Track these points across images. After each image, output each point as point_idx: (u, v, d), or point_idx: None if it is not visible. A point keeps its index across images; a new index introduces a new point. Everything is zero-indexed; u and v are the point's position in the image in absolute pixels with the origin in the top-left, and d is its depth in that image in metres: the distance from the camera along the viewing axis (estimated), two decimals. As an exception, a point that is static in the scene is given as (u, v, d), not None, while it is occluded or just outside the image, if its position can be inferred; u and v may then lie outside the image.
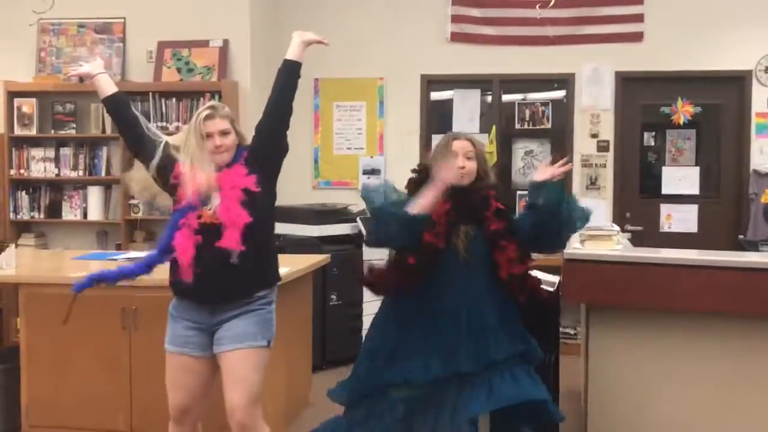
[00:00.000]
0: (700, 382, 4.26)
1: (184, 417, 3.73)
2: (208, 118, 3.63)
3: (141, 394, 4.62)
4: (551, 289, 4.38)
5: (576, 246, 4.45)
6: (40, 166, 6.98)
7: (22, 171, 6.99)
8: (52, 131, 6.99)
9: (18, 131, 6.96)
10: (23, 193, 7.03)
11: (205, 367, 3.69)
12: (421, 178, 3.77)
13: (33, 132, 6.97)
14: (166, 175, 3.67)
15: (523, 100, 7.52)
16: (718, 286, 4.05)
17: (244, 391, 3.58)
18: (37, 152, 6.99)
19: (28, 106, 6.94)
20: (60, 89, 6.96)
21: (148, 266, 3.73)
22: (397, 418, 3.65)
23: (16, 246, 6.30)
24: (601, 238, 4.39)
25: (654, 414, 4.31)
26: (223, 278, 3.55)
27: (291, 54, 3.79)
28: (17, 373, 4.82)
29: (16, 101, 6.95)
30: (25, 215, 7.03)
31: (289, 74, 3.77)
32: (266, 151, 3.73)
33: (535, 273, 3.82)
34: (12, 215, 7.01)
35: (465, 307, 3.56)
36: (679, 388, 4.28)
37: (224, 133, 3.63)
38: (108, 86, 3.84)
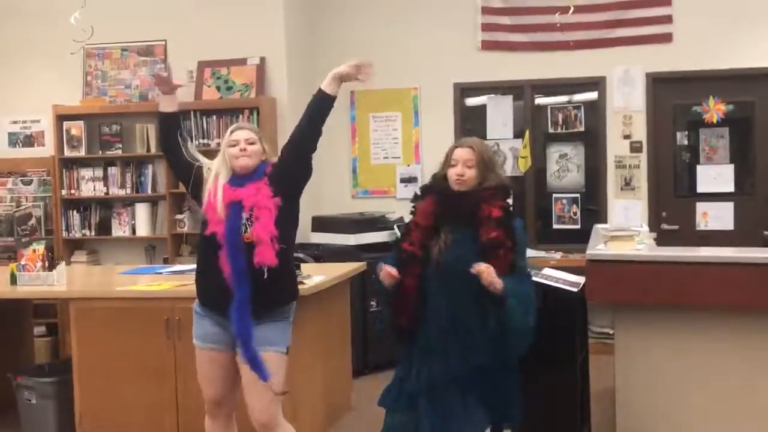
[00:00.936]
0: (727, 377, 4.31)
1: (218, 409, 3.95)
2: (237, 128, 3.92)
3: (186, 401, 4.82)
4: (575, 290, 4.50)
5: (599, 247, 4.56)
6: (89, 185, 7.28)
7: (72, 191, 7.29)
8: (100, 152, 7.28)
9: (67, 153, 7.27)
10: (74, 212, 7.33)
11: (230, 361, 3.87)
12: (429, 186, 3.93)
13: (82, 153, 7.27)
14: (198, 196, 3.90)
15: (566, 103, 7.62)
16: (738, 283, 4.12)
17: (265, 392, 3.77)
18: (86, 172, 7.29)
19: (77, 128, 7.25)
20: (106, 111, 7.26)
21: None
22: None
23: (68, 263, 6.60)
24: (623, 238, 4.49)
25: (681, 410, 4.38)
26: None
27: (324, 86, 3.91)
28: (70, 385, 5.07)
29: (65, 124, 7.26)
30: (76, 233, 7.33)
31: (318, 104, 3.92)
32: (290, 171, 3.90)
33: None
34: (64, 233, 7.31)
35: (446, 310, 3.67)
36: (706, 384, 4.34)
37: (250, 142, 3.85)
38: (174, 104, 4.03)
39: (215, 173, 3.85)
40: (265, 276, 3.67)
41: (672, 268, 4.23)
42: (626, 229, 4.64)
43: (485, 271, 3.50)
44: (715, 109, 7.13)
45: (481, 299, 3.57)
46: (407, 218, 7.07)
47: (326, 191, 7.88)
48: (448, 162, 3.84)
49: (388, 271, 3.72)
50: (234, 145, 3.84)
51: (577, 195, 7.55)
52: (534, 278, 4.42)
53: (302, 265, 5.25)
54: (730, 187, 7.25)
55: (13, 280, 5.25)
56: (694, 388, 4.36)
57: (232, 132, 3.90)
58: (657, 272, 4.25)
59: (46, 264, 5.25)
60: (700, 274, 4.21)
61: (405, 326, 3.78)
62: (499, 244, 3.63)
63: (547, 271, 4.81)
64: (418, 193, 3.96)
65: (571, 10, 6.05)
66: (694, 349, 4.34)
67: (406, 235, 3.85)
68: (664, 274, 4.25)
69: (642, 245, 4.51)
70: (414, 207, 3.93)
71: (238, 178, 3.82)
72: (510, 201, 3.83)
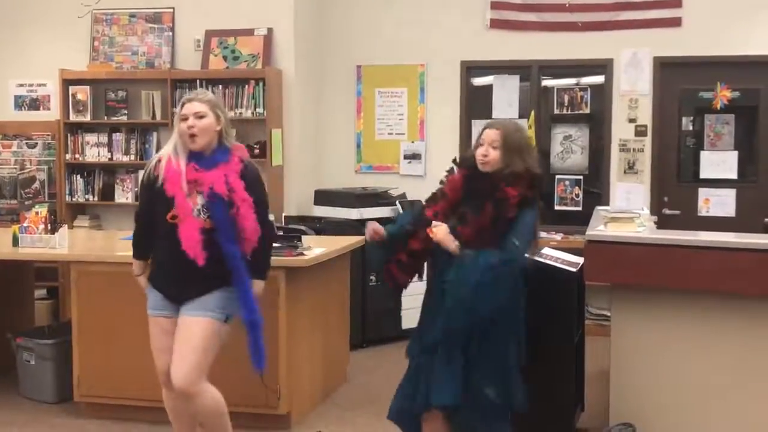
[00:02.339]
0: (722, 362, 4.33)
1: (171, 380, 3.91)
2: (186, 101, 3.85)
3: (184, 367, 4.86)
4: (574, 270, 4.52)
5: (599, 228, 4.57)
6: (93, 150, 7.29)
7: (77, 156, 7.30)
8: (105, 117, 7.28)
9: (73, 117, 7.27)
10: (78, 176, 7.35)
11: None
12: (465, 159, 3.98)
13: (87, 118, 7.27)
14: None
15: (573, 84, 7.60)
16: (735, 268, 4.13)
17: (188, 357, 3.80)
18: (91, 137, 7.29)
19: (83, 93, 7.25)
20: (112, 77, 7.26)
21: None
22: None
23: (71, 227, 6.63)
24: (623, 220, 4.50)
25: (675, 393, 4.40)
26: (185, 279, 3.81)
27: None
28: (69, 347, 5.12)
29: (71, 89, 7.26)
30: (80, 198, 7.35)
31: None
32: None
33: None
34: (68, 198, 7.33)
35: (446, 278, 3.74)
36: (700, 368, 4.37)
37: (199, 116, 3.77)
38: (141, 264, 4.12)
39: (172, 148, 3.84)
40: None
41: (671, 251, 4.24)
42: (626, 211, 4.65)
43: (437, 231, 3.70)
44: (721, 95, 7.11)
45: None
46: (410, 195, 7.19)
47: (329, 165, 7.89)
48: (477, 142, 3.89)
49: (374, 229, 3.89)
50: (184, 119, 3.78)
51: (580, 177, 7.55)
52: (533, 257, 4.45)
53: (303, 237, 5.28)
54: (733, 174, 7.24)
55: (15, 241, 5.28)
56: (689, 371, 4.38)
57: (182, 105, 3.84)
58: (656, 255, 4.26)
59: (49, 227, 5.27)
60: (699, 258, 4.22)
61: (400, 280, 3.92)
62: (495, 219, 3.71)
63: (545, 250, 4.83)
64: (454, 165, 4.02)
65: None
66: (690, 333, 4.36)
67: (432, 202, 3.92)
68: (663, 257, 4.26)
69: (642, 228, 4.52)
70: (445, 176, 3.98)
71: (202, 160, 3.80)
72: (533, 189, 3.81)
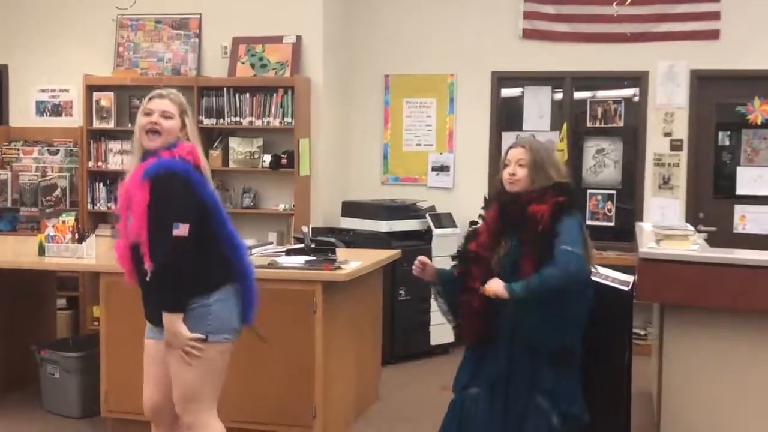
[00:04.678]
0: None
1: (157, 416, 3.64)
2: (156, 95, 3.51)
3: (215, 383, 4.70)
4: (625, 289, 4.34)
5: (651, 245, 4.41)
6: (117, 158, 7.15)
7: (99, 163, 7.17)
8: (129, 124, 7.13)
9: (96, 124, 7.14)
10: (100, 184, 7.21)
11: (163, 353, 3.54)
12: (494, 193, 3.85)
13: (111, 125, 7.15)
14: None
15: (593, 97, 7.46)
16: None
17: (176, 387, 3.49)
18: (114, 145, 7.16)
19: (107, 99, 7.11)
20: (137, 83, 7.11)
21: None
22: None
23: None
24: (677, 237, 4.33)
25: (730, 420, 4.24)
26: (146, 297, 3.55)
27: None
28: (95, 360, 4.97)
29: (95, 95, 7.13)
30: (102, 206, 7.20)
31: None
32: None
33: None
34: (90, 206, 7.19)
35: (504, 317, 3.59)
36: (756, 391, 4.20)
37: (166, 116, 3.45)
38: None
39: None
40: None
41: (730, 270, 4.08)
42: (680, 228, 4.48)
43: (491, 287, 3.52)
44: (760, 110, 6.96)
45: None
46: (438, 207, 7.04)
47: (355, 176, 7.74)
48: (503, 163, 3.75)
49: (421, 261, 3.79)
50: (148, 114, 3.45)
51: (613, 191, 7.38)
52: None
53: (337, 250, 5.12)
54: (770, 190, 7.09)
55: (42, 251, 5.13)
56: (744, 395, 4.22)
57: (150, 99, 3.50)
58: (713, 274, 4.10)
59: (76, 236, 5.13)
60: (756, 278, 4.06)
61: (481, 329, 3.67)
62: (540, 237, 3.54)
63: (599, 269, 4.66)
64: (485, 201, 3.90)
65: (628, 1, 5.86)
66: (746, 356, 4.19)
67: (474, 236, 3.79)
68: (719, 277, 4.10)
69: (696, 246, 4.36)
70: (482, 215, 3.83)
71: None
72: (565, 195, 3.66)
